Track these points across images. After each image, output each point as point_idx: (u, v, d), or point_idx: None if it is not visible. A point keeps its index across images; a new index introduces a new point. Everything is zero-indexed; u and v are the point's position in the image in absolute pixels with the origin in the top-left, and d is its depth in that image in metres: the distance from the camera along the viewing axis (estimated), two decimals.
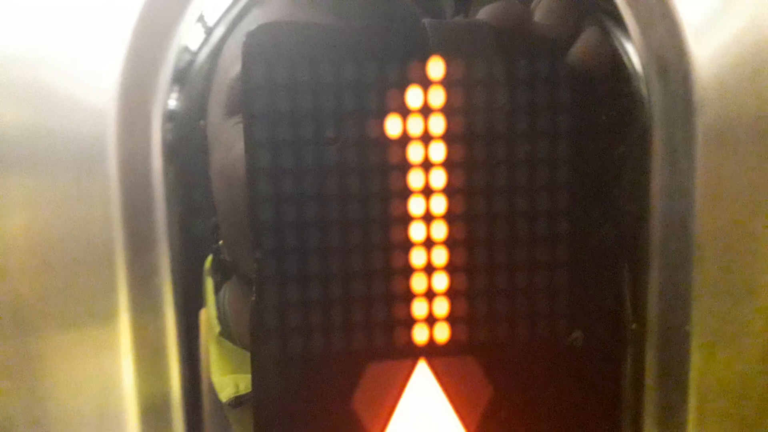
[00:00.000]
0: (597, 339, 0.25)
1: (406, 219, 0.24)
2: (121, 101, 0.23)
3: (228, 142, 0.25)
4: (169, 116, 0.24)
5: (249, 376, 0.24)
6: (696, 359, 0.25)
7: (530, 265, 0.24)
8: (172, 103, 0.24)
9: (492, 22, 0.23)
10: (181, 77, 0.24)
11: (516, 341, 0.25)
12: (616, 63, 0.24)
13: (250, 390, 0.25)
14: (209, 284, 0.26)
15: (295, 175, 0.23)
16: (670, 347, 0.25)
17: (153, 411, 0.24)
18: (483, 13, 0.23)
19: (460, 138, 0.23)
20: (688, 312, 0.25)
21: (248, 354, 0.24)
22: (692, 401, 0.25)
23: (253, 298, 0.24)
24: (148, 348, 0.24)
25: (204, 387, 0.26)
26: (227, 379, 0.26)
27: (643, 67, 0.24)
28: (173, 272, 0.24)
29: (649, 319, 0.25)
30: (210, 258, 0.26)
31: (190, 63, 0.24)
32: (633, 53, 0.25)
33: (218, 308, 0.27)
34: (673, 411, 0.26)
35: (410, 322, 0.24)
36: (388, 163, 0.23)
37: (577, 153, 0.24)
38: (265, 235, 0.23)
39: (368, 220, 0.23)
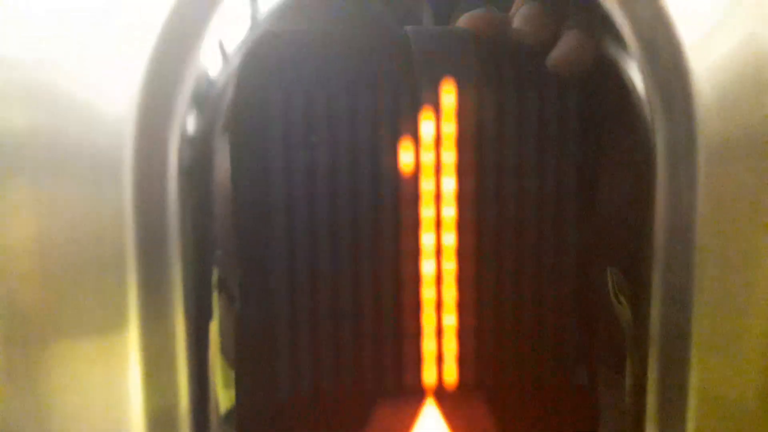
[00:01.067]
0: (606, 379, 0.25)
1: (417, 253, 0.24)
2: (139, 122, 0.23)
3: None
4: (186, 139, 0.24)
5: None
6: (696, 363, 0.25)
7: (538, 300, 0.24)
8: (190, 125, 0.24)
9: (471, 30, 0.24)
10: (199, 102, 0.25)
11: (525, 384, 0.25)
12: (612, 73, 0.25)
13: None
14: (215, 298, 0.26)
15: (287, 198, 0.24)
16: (672, 351, 0.25)
17: (160, 424, 0.24)
18: (462, 22, 0.24)
19: (467, 168, 0.24)
20: (689, 316, 0.25)
21: None
22: (692, 405, 0.25)
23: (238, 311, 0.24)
24: (157, 360, 0.24)
25: (212, 401, 0.26)
26: (225, 394, 0.26)
27: (645, 86, 0.25)
28: (184, 284, 0.24)
29: (652, 323, 0.25)
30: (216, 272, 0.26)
31: (208, 88, 0.25)
32: (634, 70, 0.25)
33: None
34: (673, 416, 0.25)
35: (419, 361, 0.24)
36: (398, 197, 0.24)
37: (575, 160, 0.24)
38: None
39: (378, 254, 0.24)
